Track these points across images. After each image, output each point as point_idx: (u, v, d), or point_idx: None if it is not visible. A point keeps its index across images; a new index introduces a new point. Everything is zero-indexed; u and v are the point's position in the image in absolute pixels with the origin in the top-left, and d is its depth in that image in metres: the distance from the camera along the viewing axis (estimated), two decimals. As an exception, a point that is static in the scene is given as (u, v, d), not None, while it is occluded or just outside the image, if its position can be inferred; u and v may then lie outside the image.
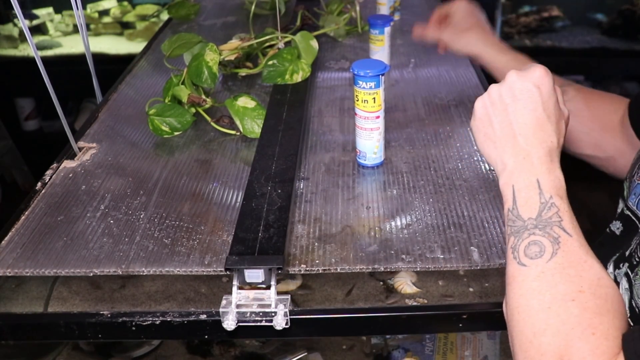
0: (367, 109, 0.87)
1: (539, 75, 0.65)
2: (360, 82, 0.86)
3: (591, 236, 0.79)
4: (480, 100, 0.68)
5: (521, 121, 0.64)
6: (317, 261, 0.75)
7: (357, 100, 0.88)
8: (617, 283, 0.70)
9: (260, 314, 0.69)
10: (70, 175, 0.94)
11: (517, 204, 0.62)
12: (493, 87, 0.68)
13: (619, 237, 0.74)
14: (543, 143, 0.63)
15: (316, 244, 0.78)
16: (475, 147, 0.98)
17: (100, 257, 0.76)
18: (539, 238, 0.58)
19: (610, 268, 0.73)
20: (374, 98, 0.86)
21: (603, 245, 0.76)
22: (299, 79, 1.16)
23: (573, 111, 0.81)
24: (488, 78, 1.21)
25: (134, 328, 0.70)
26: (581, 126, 0.91)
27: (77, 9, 1.12)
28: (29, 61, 2.49)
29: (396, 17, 1.55)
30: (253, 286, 0.70)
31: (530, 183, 0.61)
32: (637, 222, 0.72)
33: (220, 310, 0.69)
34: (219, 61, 1.10)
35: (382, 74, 0.86)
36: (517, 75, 0.66)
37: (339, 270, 0.74)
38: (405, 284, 0.83)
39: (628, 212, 0.74)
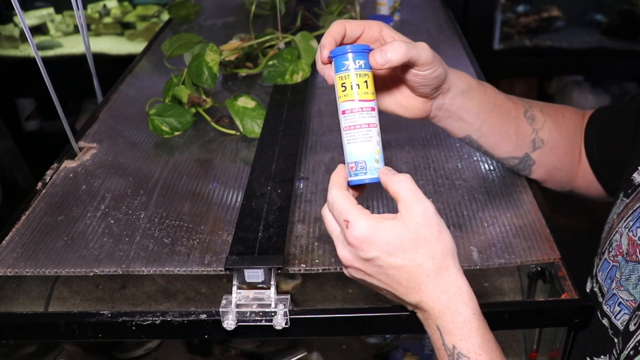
0: (361, 96, 0.66)
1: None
2: (347, 63, 0.66)
3: (591, 236, 0.79)
4: (346, 271, 0.64)
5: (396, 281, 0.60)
6: (316, 261, 0.75)
7: (345, 90, 0.66)
8: None
9: (260, 313, 0.69)
10: (71, 175, 0.94)
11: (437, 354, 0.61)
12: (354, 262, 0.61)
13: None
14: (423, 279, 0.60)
15: (316, 243, 0.78)
16: (474, 147, 0.98)
17: (101, 256, 0.76)
18: None
19: None
20: (366, 82, 0.66)
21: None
22: (299, 79, 1.16)
23: (549, 143, 0.80)
24: (487, 78, 1.21)
25: (134, 328, 0.70)
26: (557, 161, 0.83)
27: (78, 9, 1.12)
28: (30, 61, 2.49)
29: (396, 17, 1.56)
30: (253, 286, 0.71)
31: (433, 332, 0.61)
32: (600, 297, 0.71)
33: (220, 310, 0.69)
34: (219, 61, 1.10)
35: (369, 51, 0.67)
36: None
37: (338, 270, 0.74)
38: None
39: (596, 289, 0.73)
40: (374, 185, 0.66)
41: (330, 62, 0.67)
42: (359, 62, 0.66)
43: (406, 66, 0.66)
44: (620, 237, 0.70)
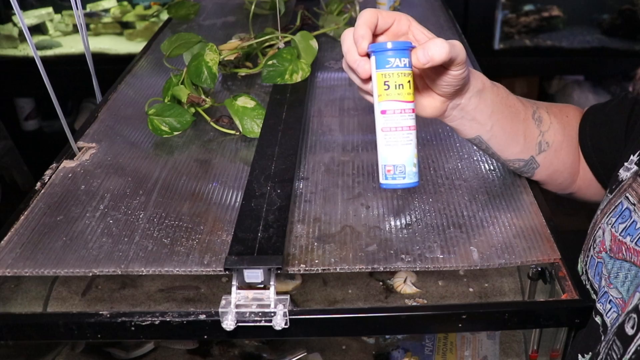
0: (403, 97, 0.62)
1: None
2: (392, 60, 0.61)
3: (591, 236, 0.79)
4: None
5: None
6: (316, 261, 0.75)
7: (388, 89, 0.62)
8: None
9: (260, 314, 0.68)
10: (70, 175, 0.94)
11: None
12: None
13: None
14: None
15: (315, 243, 0.78)
16: (474, 147, 0.98)
17: (100, 257, 0.76)
18: None
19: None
20: (409, 82, 0.62)
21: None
22: (299, 79, 1.16)
23: (553, 146, 0.80)
24: (488, 78, 1.21)
25: (133, 328, 0.70)
26: (560, 164, 0.83)
27: (77, 8, 1.12)
28: (29, 61, 2.49)
29: (396, 17, 1.55)
30: (252, 286, 0.70)
31: None
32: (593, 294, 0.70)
33: (220, 310, 0.69)
34: (219, 61, 1.10)
35: (411, 49, 0.63)
36: None
37: (338, 270, 0.74)
38: (404, 284, 0.83)
39: (588, 286, 0.73)
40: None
41: (367, 55, 0.63)
42: (403, 61, 0.61)
43: (439, 65, 0.64)
44: (603, 233, 0.69)
